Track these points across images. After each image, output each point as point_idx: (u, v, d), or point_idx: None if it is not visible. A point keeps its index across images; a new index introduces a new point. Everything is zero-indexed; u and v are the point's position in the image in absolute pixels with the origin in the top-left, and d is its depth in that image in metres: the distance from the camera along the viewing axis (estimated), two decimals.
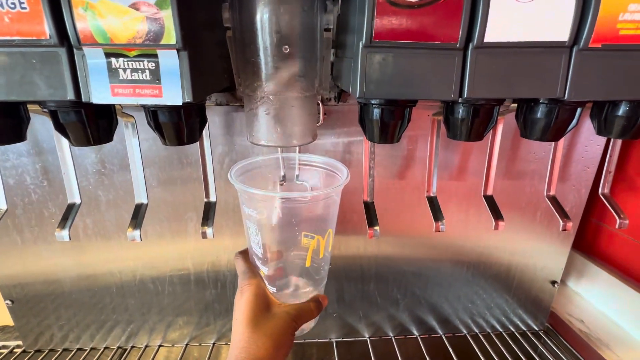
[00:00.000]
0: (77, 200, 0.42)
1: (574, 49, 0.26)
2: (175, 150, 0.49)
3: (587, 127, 0.50)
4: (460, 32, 0.25)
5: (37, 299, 0.57)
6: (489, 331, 0.64)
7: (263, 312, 0.35)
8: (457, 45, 0.25)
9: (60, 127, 0.30)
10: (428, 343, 0.62)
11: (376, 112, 0.31)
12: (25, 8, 0.23)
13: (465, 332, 0.64)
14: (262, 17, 0.28)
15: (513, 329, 0.64)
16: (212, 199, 0.43)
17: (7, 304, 0.56)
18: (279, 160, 0.40)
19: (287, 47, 0.29)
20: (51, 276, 0.56)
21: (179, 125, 0.31)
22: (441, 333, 0.64)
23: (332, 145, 0.49)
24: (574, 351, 0.59)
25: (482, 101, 0.30)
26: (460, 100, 0.31)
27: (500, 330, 0.64)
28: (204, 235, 0.41)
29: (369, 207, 0.43)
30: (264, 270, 0.37)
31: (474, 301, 0.62)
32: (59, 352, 0.60)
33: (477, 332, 0.64)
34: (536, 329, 0.65)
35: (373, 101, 0.31)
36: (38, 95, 0.25)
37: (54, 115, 0.30)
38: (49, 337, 0.60)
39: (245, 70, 0.31)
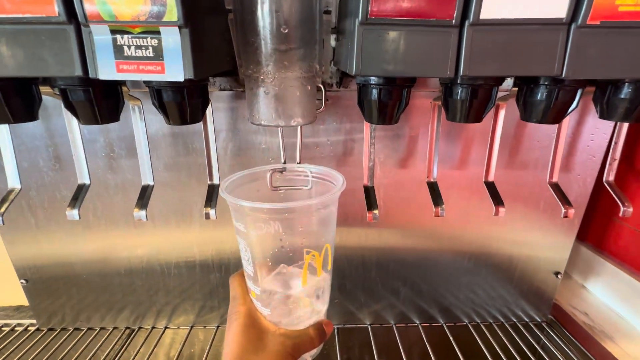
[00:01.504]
0: (87, 181, 0.43)
1: (572, 26, 0.26)
2: (181, 137, 0.50)
3: (593, 114, 0.49)
4: (456, 9, 0.25)
5: (51, 280, 0.59)
6: (491, 321, 0.64)
7: (253, 346, 0.30)
8: (453, 22, 0.25)
9: (69, 106, 0.32)
10: (429, 332, 0.62)
11: (374, 92, 0.31)
12: None
13: (466, 321, 0.64)
14: None
15: (515, 320, 0.64)
16: (216, 181, 0.44)
17: (21, 282, 0.58)
18: (275, 168, 0.38)
19: (285, 27, 0.30)
20: (63, 258, 0.58)
21: (182, 105, 0.32)
22: (442, 322, 0.64)
23: (335, 131, 0.49)
24: (578, 343, 0.59)
25: (480, 81, 0.30)
26: (458, 80, 0.32)
27: (502, 320, 0.64)
28: (207, 216, 0.42)
29: (369, 192, 0.44)
30: (256, 291, 0.34)
31: (475, 291, 0.62)
32: (71, 331, 0.62)
33: (479, 322, 0.64)
34: (539, 320, 0.64)
35: (371, 81, 0.32)
36: (48, 71, 0.26)
37: (63, 93, 0.31)
38: (62, 317, 0.62)
39: (246, 50, 0.31)
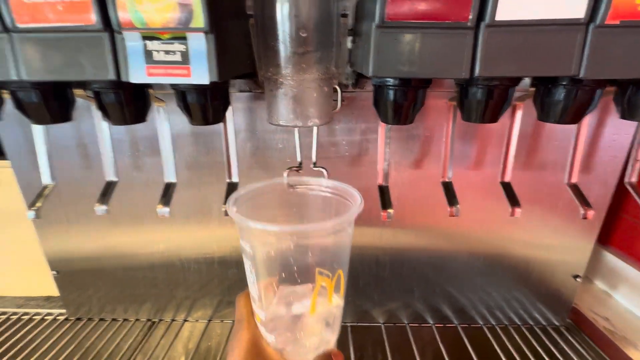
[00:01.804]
0: (115, 178, 0.46)
1: (590, 26, 0.26)
2: (202, 137, 0.52)
3: (615, 114, 0.48)
4: (471, 11, 0.25)
5: (80, 272, 0.62)
6: (507, 324, 0.63)
7: None
8: (468, 24, 0.26)
9: (102, 107, 0.34)
10: (443, 332, 0.62)
11: (390, 93, 0.32)
12: None
13: (481, 323, 0.63)
14: (282, 2, 0.30)
15: (532, 323, 0.63)
16: (235, 179, 0.46)
17: (53, 274, 0.62)
18: (285, 184, 0.36)
19: (304, 31, 0.31)
20: (92, 252, 0.61)
21: (205, 106, 0.34)
22: (456, 323, 0.63)
23: (350, 131, 0.50)
24: (597, 348, 0.57)
25: (496, 81, 0.30)
26: (474, 82, 0.32)
27: (519, 323, 0.63)
28: (226, 213, 0.44)
29: (384, 191, 0.44)
30: (260, 316, 0.32)
31: (490, 293, 0.61)
32: (96, 321, 0.65)
33: (494, 324, 0.63)
34: (557, 324, 0.63)
35: (387, 82, 0.32)
36: (84, 75, 0.28)
37: (97, 96, 0.33)
38: (89, 307, 0.65)
39: (266, 54, 0.33)
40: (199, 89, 0.33)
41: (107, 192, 0.45)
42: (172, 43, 0.27)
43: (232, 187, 0.46)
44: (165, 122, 0.43)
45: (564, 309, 0.62)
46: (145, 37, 0.27)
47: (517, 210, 0.42)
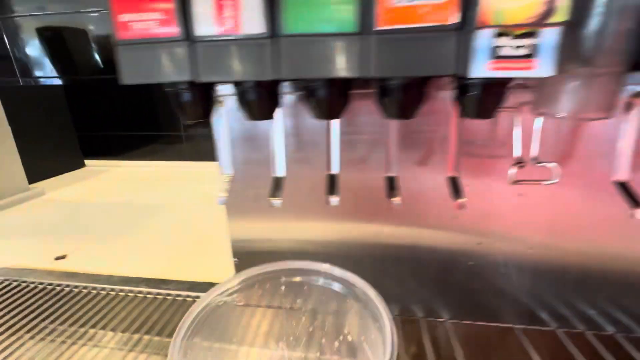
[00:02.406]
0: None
1: None
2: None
3: None
4: None
5: (254, 259, 0.66)
6: None
7: None
8: None
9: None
10: (629, 341, 0.59)
11: None
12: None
13: None
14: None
15: None
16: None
17: (234, 261, 0.67)
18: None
19: (624, 25, 0.31)
20: (265, 241, 0.65)
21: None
22: None
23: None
24: None
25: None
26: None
27: None
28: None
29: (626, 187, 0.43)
30: None
31: None
32: (255, 307, 0.69)
33: None
34: None
35: None
36: (425, 71, 0.30)
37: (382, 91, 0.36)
38: None
39: (568, 51, 0.33)
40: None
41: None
42: (522, 38, 0.29)
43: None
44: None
45: None
46: (497, 34, 0.29)
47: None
